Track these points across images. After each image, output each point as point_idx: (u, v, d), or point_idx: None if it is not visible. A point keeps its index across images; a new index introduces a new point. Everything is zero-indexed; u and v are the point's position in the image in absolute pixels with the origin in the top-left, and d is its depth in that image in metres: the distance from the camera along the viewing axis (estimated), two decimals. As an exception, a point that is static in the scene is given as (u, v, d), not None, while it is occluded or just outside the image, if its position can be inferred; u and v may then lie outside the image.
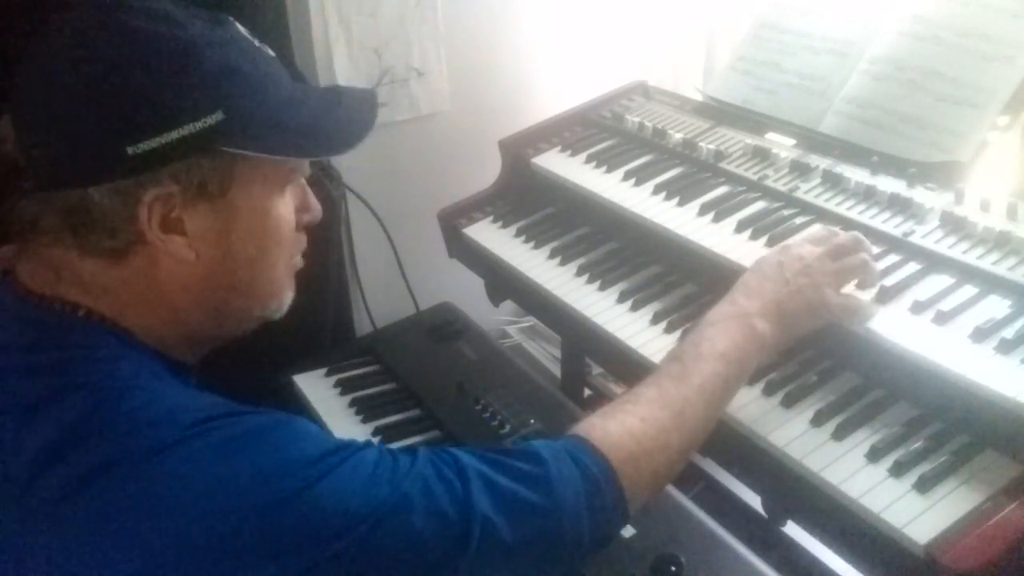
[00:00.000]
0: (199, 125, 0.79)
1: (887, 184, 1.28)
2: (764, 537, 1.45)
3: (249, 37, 0.88)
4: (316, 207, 0.96)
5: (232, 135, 0.81)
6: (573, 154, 1.62)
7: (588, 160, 1.58)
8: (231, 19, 0.88)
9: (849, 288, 1.11)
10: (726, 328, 1.02)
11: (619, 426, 0.93)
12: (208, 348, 0.94)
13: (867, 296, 1.10)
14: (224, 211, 0.85)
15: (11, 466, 0.74)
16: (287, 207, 0.91)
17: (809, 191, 1.33)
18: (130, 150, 0.77)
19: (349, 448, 0.80)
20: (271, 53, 0.90)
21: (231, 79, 0.82)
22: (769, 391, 1.10)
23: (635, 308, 1.31)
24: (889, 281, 1.11)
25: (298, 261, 0.96)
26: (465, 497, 0.81)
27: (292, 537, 0.73)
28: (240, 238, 0.87)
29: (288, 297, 0.95)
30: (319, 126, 0.90)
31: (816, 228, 1.17)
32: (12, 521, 0.74)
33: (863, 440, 1.01)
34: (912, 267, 1.14)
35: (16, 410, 0.77)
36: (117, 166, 0.78)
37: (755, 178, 1.39)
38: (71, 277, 0.83)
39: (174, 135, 0.78)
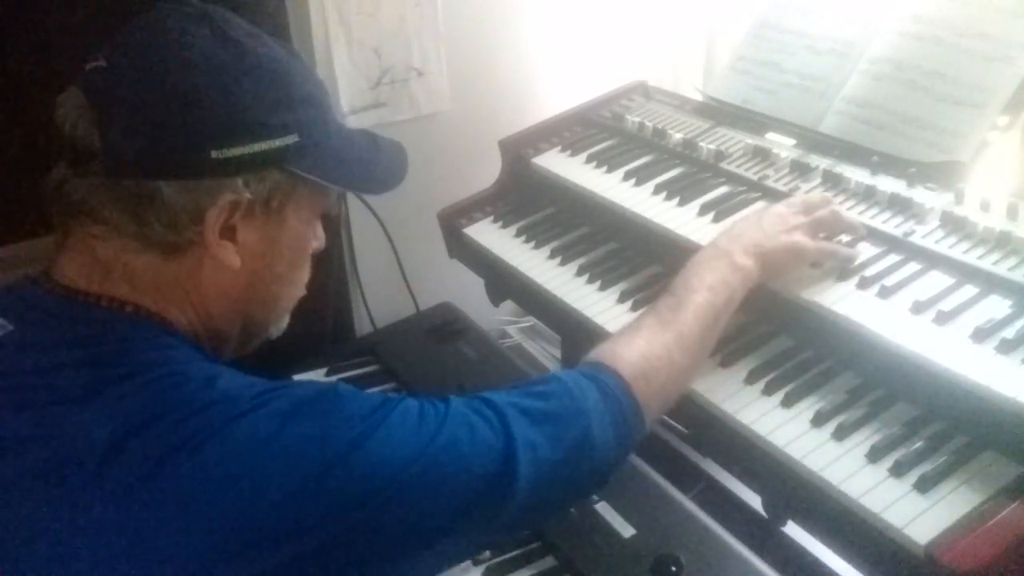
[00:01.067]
0: (278, 143, 0.85)
1: (887, 184, 1.28)
2: (764, 537, 1.45)
3: (311, 67, 0.95)
4: (322, 236, 1.02)
5: (302, 158, 0.88)
6: (573, 154, 1.62)
7: (588, 160, 1.58)
8: (299, 52, 0.94)
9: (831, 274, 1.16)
10: (712, 265, 1.12)
11: (627, 347, 1.02)
12: (226, 358, 0.97)
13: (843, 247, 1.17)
14: (275, 227, 0.91)
15: (81, 453, 0.75)
16: (314, 234, 0.98)
17: (809, 191, 1.33)
18: (215, 154, 0.82)
19: (392, 401, 0.85)
20: (325, 85, 0.96)
21: (309, 107, 0.89)
22: (769, 391, 1.10)
23: (635, 308, 1.31)
24: (889, 281, 1.11)
25: (303, 290, 1.02)
26: (504, 427, 0.86)
27: (358, 488, 0.77)
28: (280, 255, 0.93)
29: (286, 322, 1.03)
30: (369, 164, 0.98)
31: (789, 198, 1.25)
32: (87, 506, 0.74)
33: (863, 440, 1.01)
34: (912, 267, 1.14)
35: (77, 400, 0.78)
36: (199, 166, 0.82)
37: (755, 178, 1.39)
38: (121, 271, 0.85)
39: (257, 147, 0.84)
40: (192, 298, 0.89)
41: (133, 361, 0.81)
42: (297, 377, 1.71)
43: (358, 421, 0.80)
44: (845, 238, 1.21)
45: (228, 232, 0.86)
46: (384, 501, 0.78)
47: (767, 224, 1.17)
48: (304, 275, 0.99)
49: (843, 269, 1.16)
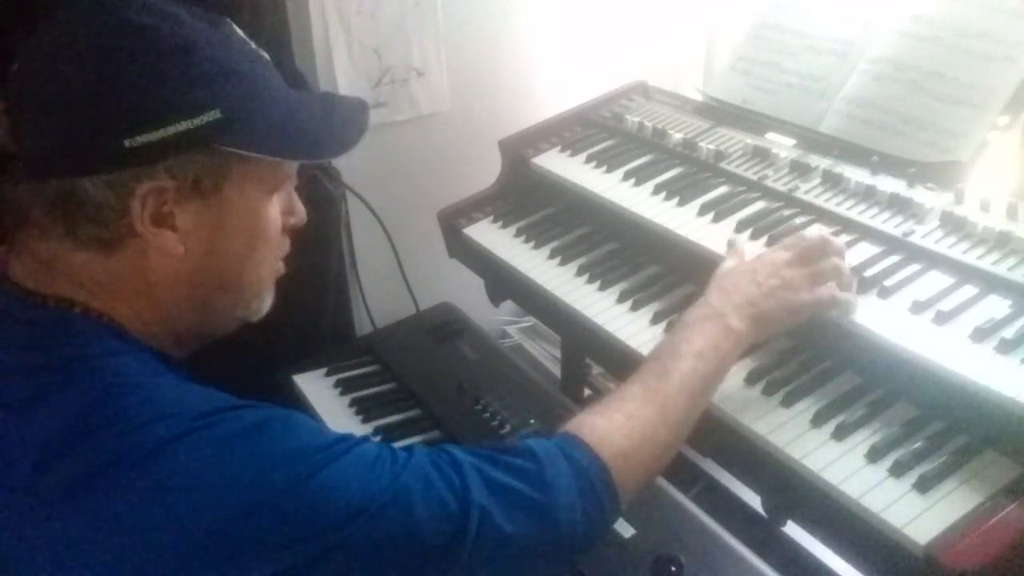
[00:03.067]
0: (196, 122, 0.80)
1: (887, 184, 1.28)
2: (764, 537, 1.45)
3: (246, 39, 0.89)
4: (301, 211, 0.98)
5: (229, 134, 0.82)
6: (573, 154, 1.62)
7: (588, 160, 1.58)
8: (229, 20, 0.89)
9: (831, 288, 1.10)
10: (701, 328, 1.04)
11: (607, 422, 0.95)
12: (194, 346, 0.95)
13: (847, 292, 1.10)
14: (216, 208, 0.86)
15: (14, 462, 0.75)
16: (275, 209, 0.92)
17: (809, 191, 1.33)
18: (127, 143, 0.78)
19: (348, 441, 0.82)
20: (267, 57, 0.91)
21: (229, 79, 0.83)
22: (769, 391, 1.10)
23: (635, 308, 1.31)
24: (889, 281, 1.11)
25: (280, 267, 0.98)
26: (463, 488, 0.82)
27: (297, 526, 0.74)
28: (229, 236, 0.88)
29: (268, 301, 0.97)
30: (315, 130, 0.91)
31: (787, 238, 1.17)
32: (17, 516, 0.74)
33: (863, 440, 1.01)
34: (912, 267, 1.14)
35: (17, 407, 0.77)
36: (113, 158, 0.79)
37: (755, 178, 1.39)
38: (63, 270, 0.84)
39: (171, 130, 0.79)
40: (140, 291, 0.86)
41: (75, 368, 0.78)
42: (297, 377, 1.71)
43: (306, 455, 0.77)
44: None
45: (165, 219, 0.83)
46: (321, 546, 0.75)
47: (763, 278, 1.08)
48: (272, 252, 0.94)
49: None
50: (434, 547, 0.80)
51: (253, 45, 0.89)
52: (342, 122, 0.95)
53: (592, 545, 0.92)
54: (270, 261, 0.94)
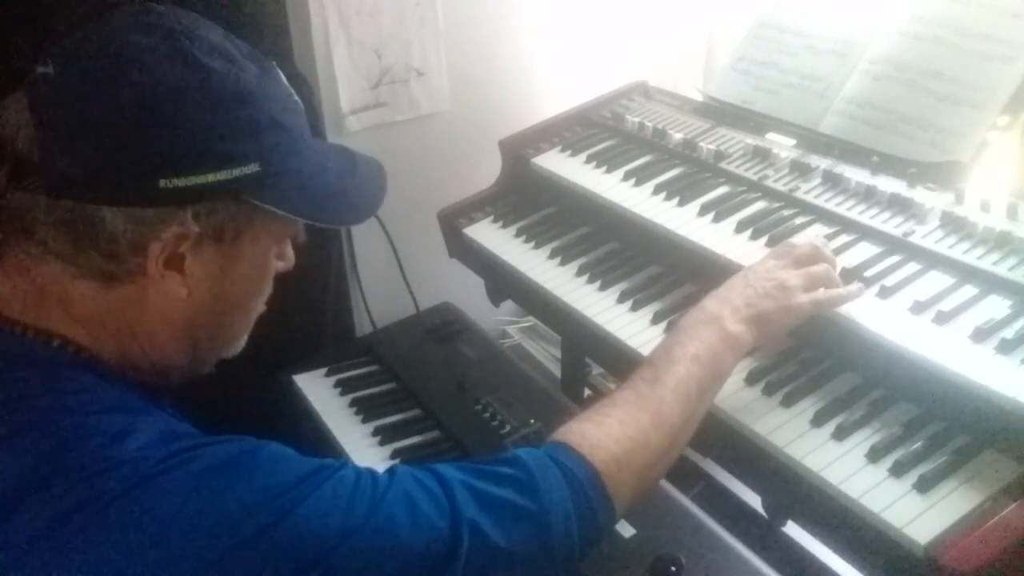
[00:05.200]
0: (235, 173, 0.79)
1: (887, 184, 1.28)
2: (764, 537, 1.45)
3: (288, 86, 0.87)
4: (291, 256, 0.96)
5: (262, 188, 0.81)
6: (573, 154, 1.62)
7: (588, 160, 1.58)
8: (275, 64, 0.87)
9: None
10: (697, 332, 1.03)
11: (597, 428, 0.93)
12: (175, 383, 0.92)
13: (839, 288, 1.11)
14: (228, 257, 0.84)
15: None
16: (280, 255, 0.92)
17: (809, 191, 1.33)
18: (162, 183, 0.76)
19: (325, 470, 0.78)
20: (301, 105, 0.89)
21: (274, 133, 0.82)
22: (769, 391, 1.10)
23: (635, 308, 1.31)
24: (889, 281, 1.11)
25: (263, 308, 0.96)
26: (451, 505, 0.80)
27: (278, 565, 0.72)
28: (234, 284, 0.87)
29: (245, 339, 0.97)
30: (339, 194, 0.90)
31: (778, 247, 1.17)
32: None
33: (863, 440, 1.01)
34: (912, 267, 1.14)
35: None
36: (144, 195, 0.76)
37: (755, 178, 1.39)
38: (57, 297, 0.80)
39: (209, 178, 0.77)
40: (132, 326, 0.83)
41: (39, 407, 0.75)
42: (297, 377, 1.71)
43: (284, 490, 0.74)
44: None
45: (175, 261, 0.80)
46: None
47: (757, 280, 1.08)
48: (262, 299, 0.93)
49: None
50: (426, 568, 0.78)
51: (292, 91, 0.88)
52: (364, 189, 0.95)
53: (587, 554, 0.90)
54: (258, 307, 0.94)
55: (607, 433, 0.92)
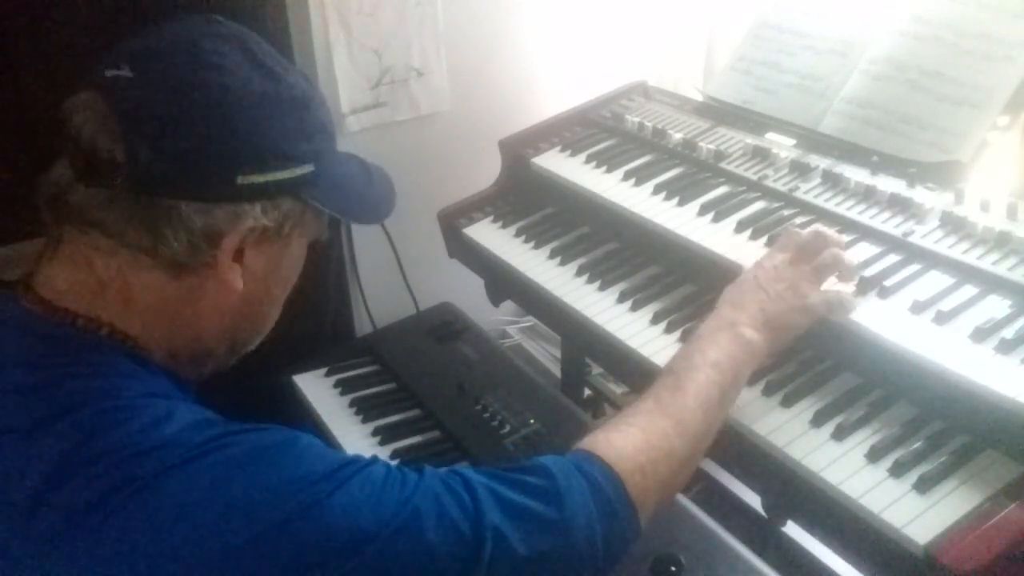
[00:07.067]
0: (297, 172, 0.86)
1: (887, 184, 1.28)
2: (764, 537, 1.45)
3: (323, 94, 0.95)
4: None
5: (315, 187, 0.89)
6: (573, 154, 1.62)
7: (588, 160, 1.58)
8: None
9: (831, 282, 1.12)
10: (715, 339, 1.04)
11: (623, 437, 0.93)
12: (206, 374, 0.95)
13: (848, 288, 1.12)
14: (280, 252, 0.91)
15: (14, 490, 0.73)
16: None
17: (809, 191, 1.33)
18: (240, 179, 0.82)
19: (356, 464, 0.79)
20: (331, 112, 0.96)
21: (323, 137, 0.90)
22: (769, 391, 1.10)
23: (635, 308, 1.31)
24: (889, 281, 1.11)
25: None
26: (476, 510, 0.80)
27: (304, 555, 0.72)
28: (280, 278, 0.94)
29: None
30: (366, 196, 0.99)
31: (780, 238, 1.17)
32: (15, 547, 0.72)
33: (863, 440, 1.01)
34: (912, 267, 1.14)
35: (16, 431, 0.75)
36: (223, 190, 0.82)
37: (755, 178, 1.39)
38: (119, 288, 0.83)
39: (276, 176, 0.84)
40: (185, 316, 0.86)
41: (79, 391, 0.77)
42: (297, 377, 1.71)
43: (314, 481, 0.75)
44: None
45: (238, 255, 0.86)
46: (330, 575, 0.73)
47: (768, 283, 1.09)
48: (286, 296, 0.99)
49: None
50: (447, 571, 0.78)
51: (320, 81, 0.95)
52: (383, 192, 1.03)
53: (614, 564, 0.89)
54: (283, 302, 0.99)
55: (632, 442, 0.93)
